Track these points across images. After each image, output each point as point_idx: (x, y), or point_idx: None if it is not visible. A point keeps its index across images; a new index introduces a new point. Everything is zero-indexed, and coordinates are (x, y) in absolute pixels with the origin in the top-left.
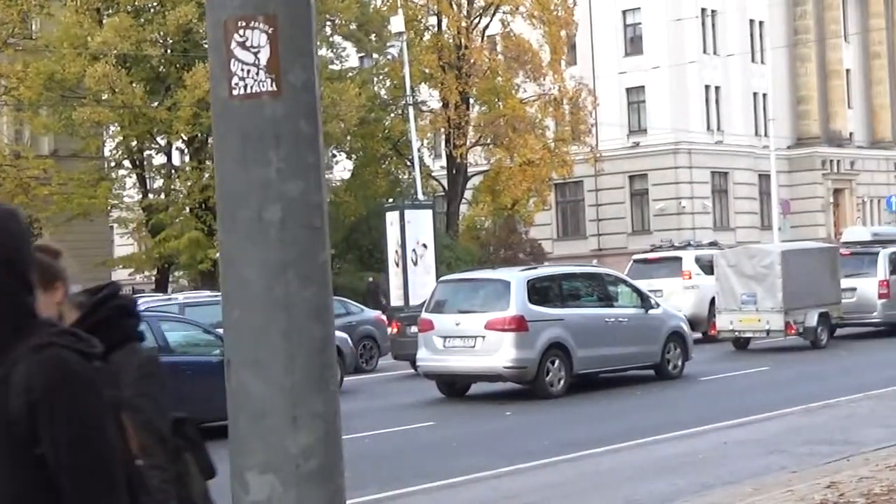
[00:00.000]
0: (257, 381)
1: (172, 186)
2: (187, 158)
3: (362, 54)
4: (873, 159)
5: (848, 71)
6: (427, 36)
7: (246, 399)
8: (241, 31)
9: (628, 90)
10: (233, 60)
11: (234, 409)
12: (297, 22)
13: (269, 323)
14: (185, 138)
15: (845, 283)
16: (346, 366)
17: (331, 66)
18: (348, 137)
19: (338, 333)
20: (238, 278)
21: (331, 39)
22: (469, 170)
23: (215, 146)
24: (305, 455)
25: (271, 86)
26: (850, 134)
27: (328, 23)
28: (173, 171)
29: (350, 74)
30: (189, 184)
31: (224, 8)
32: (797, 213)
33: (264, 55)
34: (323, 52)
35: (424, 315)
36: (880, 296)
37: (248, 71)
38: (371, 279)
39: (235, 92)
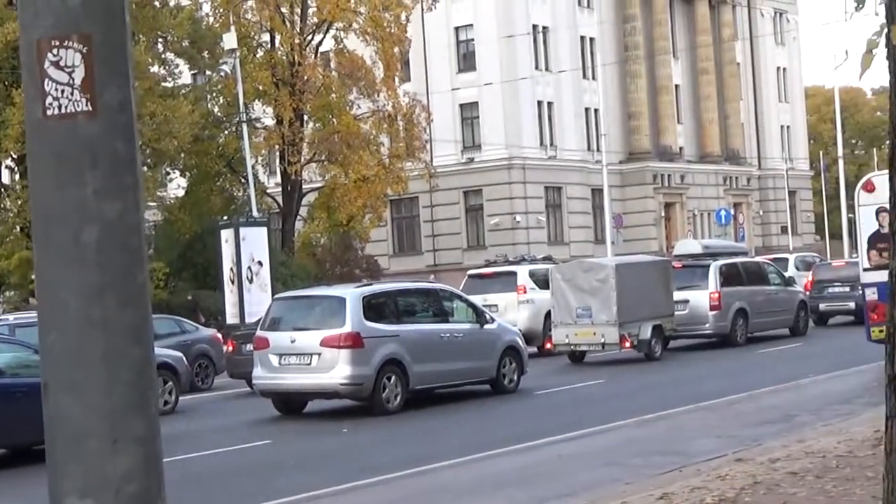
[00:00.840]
0: (75, 404)
1: (2, 205)
2: (17, 177)
3: (195, 71)
4: (703, 173)
5: (677, 86)
6: (260, 53)
7: (64, 423)
8: (54, 51)
9: (462, 106)
10: (47, 80)
11: (51, 433)
12: (113, 41)
13: (86, 345)
14: (15, 156)
15: (678, 295)
16: (181, 385)
17: (163, 84)
18: (182, 155)
19: (173, 352)
20: (55, 301)
21: (163, 56)
22: (304, 186)
23: (29, 167)
24: (126, 479)
25: (86, 106)
26: (681, 148)
27: (160, 39)
28: (3, 190)
29: (183, 91)
30: (19, 203)
31: (37, 27)
32: (630, 227)
33: (79, 75)
34: (155, 69)
35: (260, 333)
36: (712, 307)
37: (63, 91)
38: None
39: (50, 112)
